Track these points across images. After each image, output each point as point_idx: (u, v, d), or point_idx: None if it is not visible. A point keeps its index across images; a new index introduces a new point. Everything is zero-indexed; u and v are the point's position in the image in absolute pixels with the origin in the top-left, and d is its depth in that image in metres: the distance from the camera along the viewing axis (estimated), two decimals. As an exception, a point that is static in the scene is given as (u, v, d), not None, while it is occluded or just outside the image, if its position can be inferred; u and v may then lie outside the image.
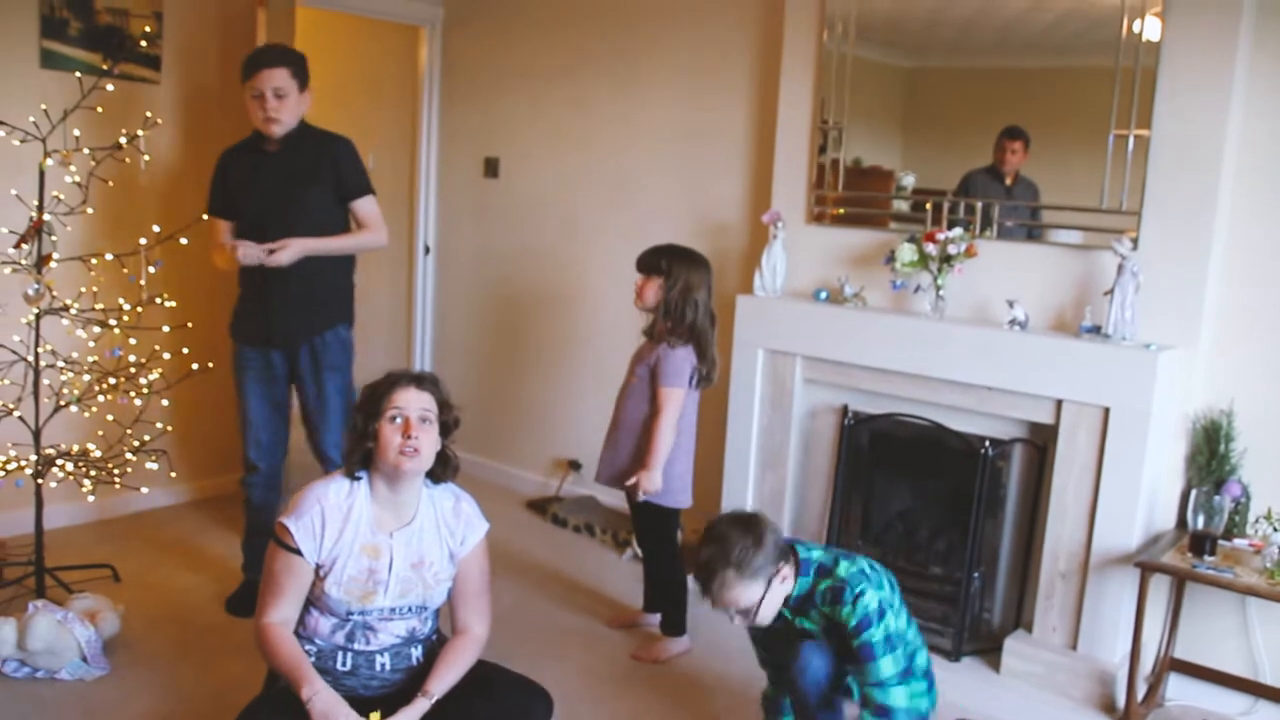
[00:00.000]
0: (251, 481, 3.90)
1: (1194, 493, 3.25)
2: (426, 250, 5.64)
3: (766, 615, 2.65)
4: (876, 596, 2.59)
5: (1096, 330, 3.37)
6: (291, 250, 3.58)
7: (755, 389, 4.02)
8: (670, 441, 3.46)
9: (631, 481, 3.48)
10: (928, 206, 3.77)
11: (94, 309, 3.63)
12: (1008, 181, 3.68)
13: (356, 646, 2.67)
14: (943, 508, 3.83)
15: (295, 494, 2.67)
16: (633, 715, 3.23)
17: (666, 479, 3.47)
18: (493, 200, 5.37)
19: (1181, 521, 3.43)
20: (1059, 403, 3.36)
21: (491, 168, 5.35)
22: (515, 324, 5.32)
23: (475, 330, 5.51)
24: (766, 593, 2.60)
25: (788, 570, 2.65)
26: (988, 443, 3.52)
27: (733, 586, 2.58)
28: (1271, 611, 3.35)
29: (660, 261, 3.48)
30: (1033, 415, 3.44)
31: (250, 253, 3.53)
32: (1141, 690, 3.28)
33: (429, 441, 2.65)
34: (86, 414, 3.69)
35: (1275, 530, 3.05)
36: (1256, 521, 3.26)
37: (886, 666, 2.58)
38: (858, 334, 3.75)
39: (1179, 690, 3.52)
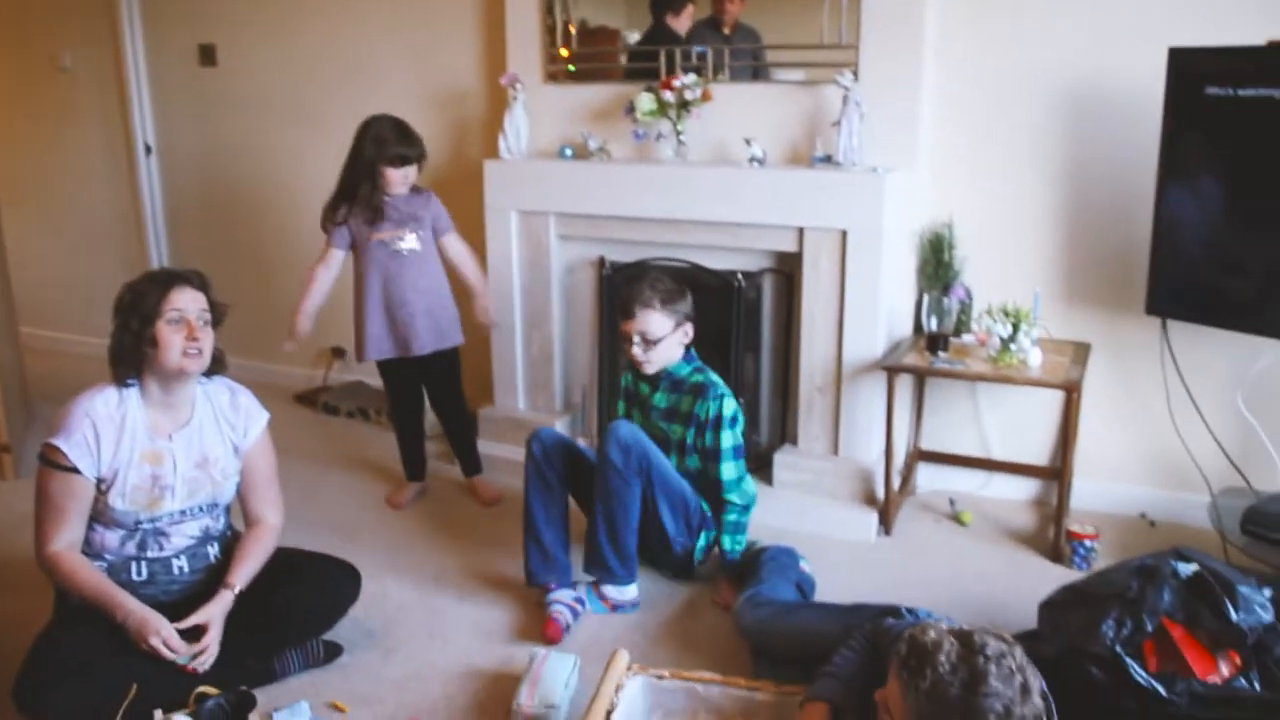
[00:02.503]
0: None
1: (925, 299, 3.56)
2: (148, 150, 5.31)
3: (659, 357, 3.14)
4: (734, 406, 3.13)
5: (828, 159, 3.58)
6: None
7: (512, 251, 4.06)
8: None
9: (488, 316, 3.80)
10: (661, 57, 3.85)
11: None
12: (726, 30, 3.80)
13: (150, 554, 2.63)
14: (703, 342, 4.00)
15: (60, 411, 2.56)
16: (442, 574, 3.33)
17: (453, 319, 3.70)
18: (213, 91, 5.10)
19: (917, 326, 3.76)
20: (801, 231, 3.56)
21: (208, 55, 5.05)
22: (254, 218, 5.13)
23: (213, 229, 5.28)
24: (671, 334, 3.11)
25: (689, 331, 3.17)
26: (740, 276, 3.72)
27: (653, 312, 3.08)
28: (996, 395, 3.76)
29: (419, 141, 3.56)
30: (778, 245, 3.65)
31: None
32: (897, 482, 3.63)
33: (209, 341, 2.61)
34: None
35: (995, 322, 3.38)
36: (979, 318, 3.60)
37: (729, 470, 3.12)
38: (606, 186, 3.83)
39: (927, 477, 3.92)
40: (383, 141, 3.49)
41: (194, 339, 2.54)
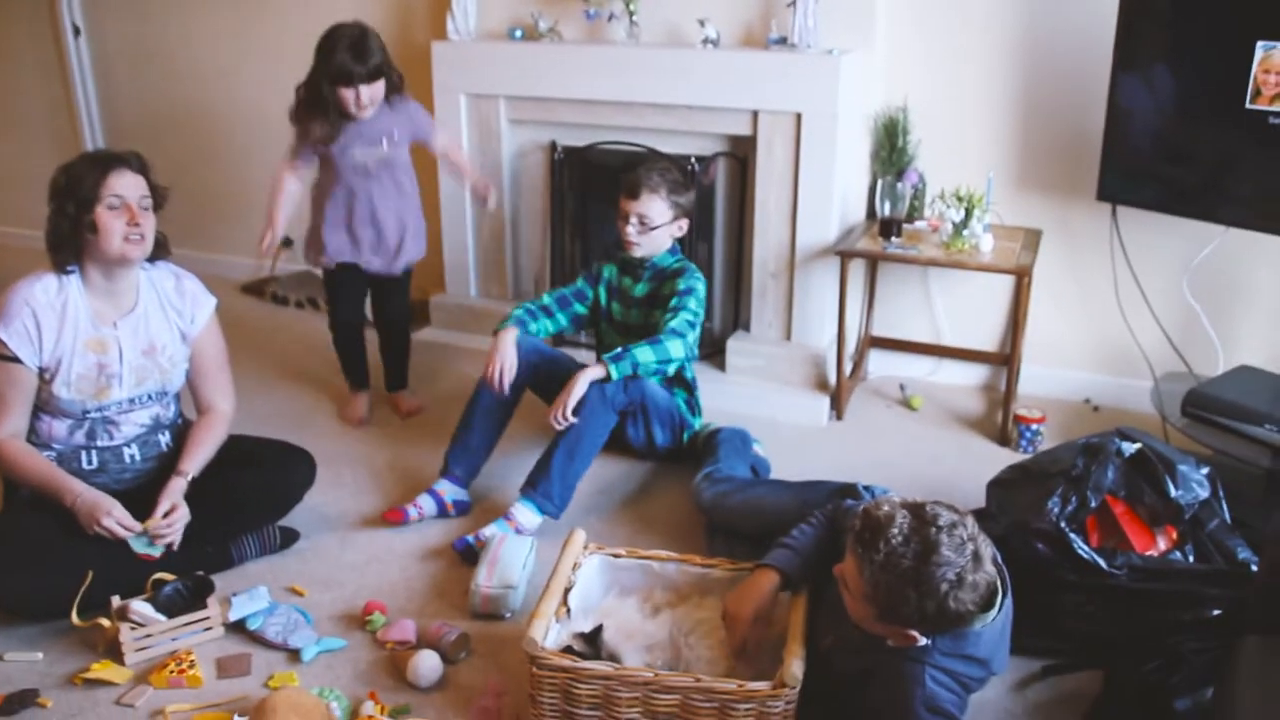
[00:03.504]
0: None
1: (879, 183, 3.55)
2: (76, 31, 5.09)
3: (650, 243, 3.14)
4: (703, 290, 3.13)
5: (783, 41, 3.52)
6: None
7: (462, 136, 3.97)
8: None
9: (490, 196, 3.53)
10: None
11: None
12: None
13: (100, 443, 2.60)
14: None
15: None
16: (392, 464, 3.33)
17: (422, 230, 3.56)
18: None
19: (871, 212, 3.76)
20: (755, 114, 3.52)
21: (135, -73, 4.83)
22: (193, 101, 4.96)
23: (150, 115, 5.10)
24: (668, 223, 3.12)
25: (684, 225, 3.19)
26: (693, 159, 3.68)
27: (657, 198, 3.08)
28: (948, 281, 3.79)
29: (381, 64, 3.21)
30: (733, 129, 3.60)
31: None
32: (848, 367, 3.66)
33: (150, 226, 2.54)
34: None
35: (948, 208, 3.39)
36: (933, 203, 3.61)
37: (676, 349, 2.98)
38: (557, 68, 3.75)
39: (879, 363, 3.97)
40: (329, 56, 3.16)
41: (135, 224, 2.47)
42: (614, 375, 2.91)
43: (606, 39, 3.77)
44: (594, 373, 2.92)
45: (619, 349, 2.95)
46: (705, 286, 3.16)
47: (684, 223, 3.19)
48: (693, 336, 3.04)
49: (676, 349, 2.97)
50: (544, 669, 2.09)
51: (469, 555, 2.78)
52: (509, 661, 2.41)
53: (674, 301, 3.08)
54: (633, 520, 3.01)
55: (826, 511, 2.31)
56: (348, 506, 3.07)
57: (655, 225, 3.11)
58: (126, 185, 2.47)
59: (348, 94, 3.19)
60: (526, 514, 2.88)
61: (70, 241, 2.47)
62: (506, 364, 3.04)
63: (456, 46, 3.91)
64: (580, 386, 2.90)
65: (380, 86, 3.24)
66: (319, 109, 3.25)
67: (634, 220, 3.11)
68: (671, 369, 3.01)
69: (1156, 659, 2.18)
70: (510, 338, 3.08)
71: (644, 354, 2.93)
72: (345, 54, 3.15)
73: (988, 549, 1.88)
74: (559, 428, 2.91)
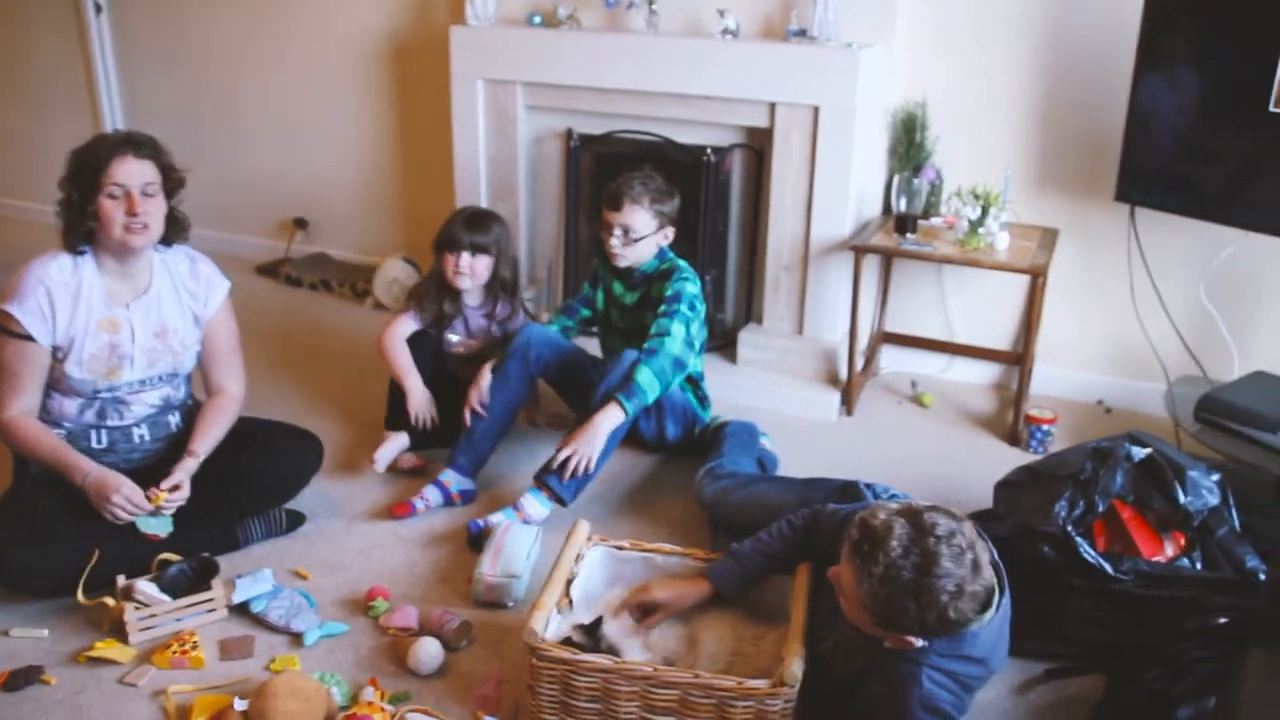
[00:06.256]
0: None
1: (896, 179, 3.53)
2: (98, 9, 5.09)
3: (635, 253, 3.11)
4: (695, 289, 3.08)
5: (803, 33, 3.49)
6: None
7: (478, 120, 3.96)
8: None
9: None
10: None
11: None
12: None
13: (110, 423, 2.61)
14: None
15: (12, 277, 2.50)
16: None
17: None
18: (166, -57, 4.88)
19: (887, 207, 3.74)
20: (773, 106, 3.50)
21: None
22: (214, 83, 4.95)
23: (170, 95, 5.10)
24: (653, 234, 3.09)
25: (669, 235, 3.16)
26: (709, 151, 3.66)
27: (640, 209, 3.06)
28: (962, 279, 3.76)
29: (492, 236, 3.21)
30: (749, 120, 3.58)
31: None
32: (860, 362, 3.65)
33: (157, 213, 2.53)
34: None
35: (964, 205, 3.36)
36: (949, 199, 3.58)
37: (672, 350, 2.94)
38: (576, 55, 3.73)
39: (891, 359, 3.95)
40: (446, 224, 3.24)
41: (134, 214, 2.46)
42: (630, 412, 2.87)
43: (625, 27, 3.75)
44: (611, 420, 2.86)
45: (624, 383, 2.89)
46: (697, 284, 3.10)
47: (669, 231, 3.16)
48: (684, 335, 2.97)
49: (673, 350, 2.94)
50: (543, 660, 2.09)
51: (479, 540, 2.77)
52: (510, 651, 2.41)
53: (662, 308, 3.03)
54: (637, 512, 3.01)
55: (806, 516, 2.30)
56: (354, 491, 3.08)
57: (640, 236, 3.08)
58: (129, 173, 2.46)
59: (449, 259, 3.19)
60: (535, 505, 2.87)
61: (78, 226, 2.48)
62: (483, 391, 3.06)
63: (475, 32, 3.89)
64: (601, 440, 2.85)
65: (484, 263, 3.20)
66: (433, 289, 3.26)
67: (618, 232, 3.08)
68: (675, 377, 2.97)
69: (1160, 666, 2.17)
70: (485, 369, 3.10)
71: (646, 377, 2.88)
72: (459, 223, 3.21)
73: (986, 554, 1.87)
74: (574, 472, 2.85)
